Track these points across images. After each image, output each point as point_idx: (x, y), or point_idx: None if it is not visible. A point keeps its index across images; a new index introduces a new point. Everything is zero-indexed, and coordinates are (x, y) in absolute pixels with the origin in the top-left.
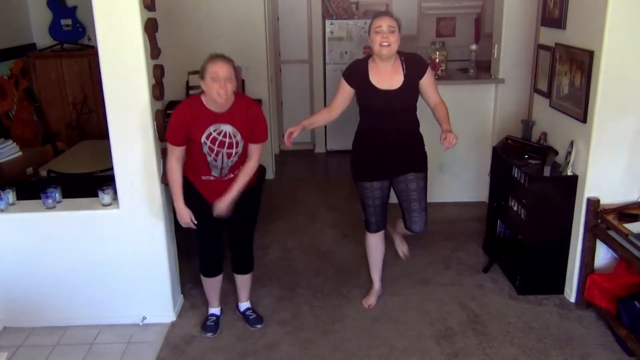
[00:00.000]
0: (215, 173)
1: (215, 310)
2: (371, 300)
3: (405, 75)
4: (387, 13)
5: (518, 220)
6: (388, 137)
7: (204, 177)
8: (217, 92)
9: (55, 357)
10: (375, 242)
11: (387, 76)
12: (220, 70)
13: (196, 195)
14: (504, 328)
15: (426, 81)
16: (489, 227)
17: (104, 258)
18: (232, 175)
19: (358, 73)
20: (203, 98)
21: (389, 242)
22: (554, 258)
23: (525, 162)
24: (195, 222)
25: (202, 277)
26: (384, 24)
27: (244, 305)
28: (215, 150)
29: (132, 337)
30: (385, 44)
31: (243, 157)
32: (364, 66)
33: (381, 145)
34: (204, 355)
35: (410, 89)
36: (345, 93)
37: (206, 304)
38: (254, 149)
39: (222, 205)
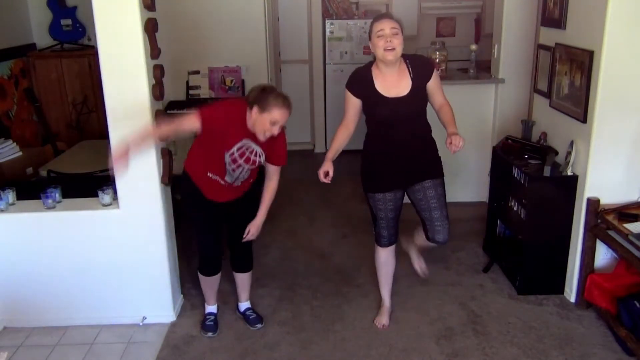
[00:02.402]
0: (228, 179)
1: (212, 308)
2: (384, 319)
3: (412, 80)
4: (387, 15)
5: (518, 220)
6: (400, 145)
7: (212, 177)
8: (265, 132)
9: (55, 357)
10: (386, 257)
11: (394, 82)
12: (281, 117)
13: (196, 191)
14: (504, 328)
15: (433, 83)
16: (489, 227)
17: (104, 258)
18: (239, 184)
19: (362, 82)
20: (248, 114)
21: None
22: (554, 258)
23: (525, 162)
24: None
25: (200, 276)
26: (387, 26)
27: (244, 305)
28: (238, 163)
29: (132, 337)
30: (390, 47)
31: (255, 172)
32: (368, 74)
33: (393, 154)
34: (203, 355)
35: (419, 94)
36: (355, 105)
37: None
38: (274, 171)
39: (255, 229)
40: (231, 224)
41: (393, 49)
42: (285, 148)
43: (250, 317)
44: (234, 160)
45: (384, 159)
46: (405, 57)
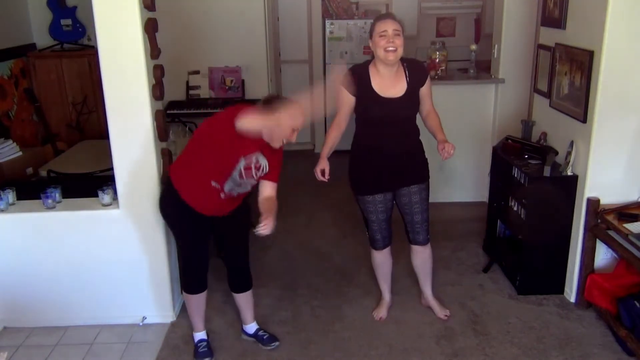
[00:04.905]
0: (227, 188)
1: (202, 334)
2: (382, 312)
3: (408, 83)
4: (390, 15)
5: (518, 220)
6: (389, 147)
7: (215, 185)
8: (283, 140)
9: (55, 357)
10: (382, 259)
11: (390, 83)
12: (302, 123)
13: (185, 207)
14: (504, 328)
15: (425, 89)
16: (489, 227)
17: (104, 258)
18: (236, 195)
19: (358, 80)
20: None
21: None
22: (554, 258)
23: (525, 162)
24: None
25: (187, 296)
26: (389, 27)
27: (253, 327)
28: (245, 174)
29: (132, 337)
30: (392, 48)
31: (254, 188)
32: (365, 72)
33: (383, 156)
34: None
35: (413, 97)
36: (348, 103)
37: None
38: (273, 189)
39: (272, 225)
40: (227, 241)
41: (395, 50)
42: (281, 164)
43: (264, 337)
44: (248, 168)
45: (374, 161)
46: (402, 60)
